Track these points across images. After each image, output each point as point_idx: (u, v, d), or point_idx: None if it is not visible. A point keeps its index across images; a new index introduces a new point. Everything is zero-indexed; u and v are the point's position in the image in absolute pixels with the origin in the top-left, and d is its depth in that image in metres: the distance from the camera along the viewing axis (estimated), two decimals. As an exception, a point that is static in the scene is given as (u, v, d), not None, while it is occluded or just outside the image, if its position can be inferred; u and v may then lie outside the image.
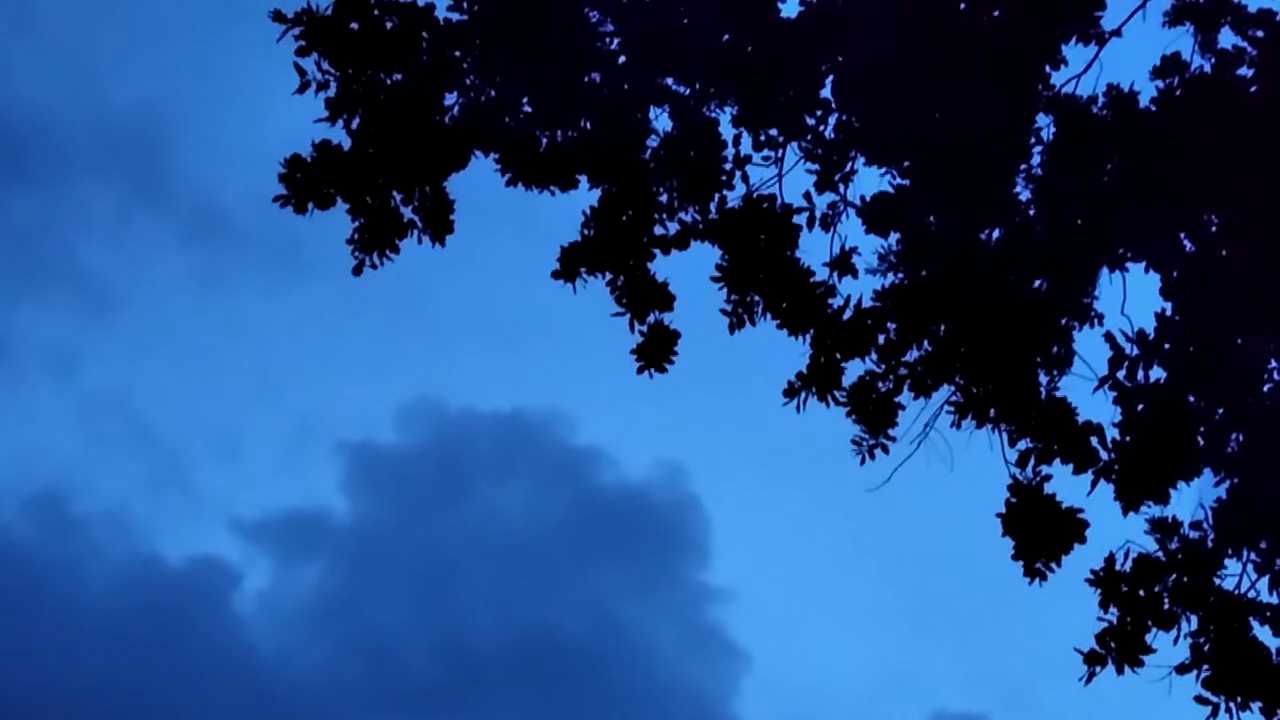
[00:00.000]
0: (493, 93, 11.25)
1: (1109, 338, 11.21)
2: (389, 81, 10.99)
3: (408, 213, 11.33)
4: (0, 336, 46.81)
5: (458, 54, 11.09)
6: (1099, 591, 10.92)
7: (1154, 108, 11.26)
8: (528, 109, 11.29)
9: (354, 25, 10.75)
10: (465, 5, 11.00)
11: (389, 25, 10.87)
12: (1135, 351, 11.16)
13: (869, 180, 11.64)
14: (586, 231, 11.40)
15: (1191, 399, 11.19)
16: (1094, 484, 11.01)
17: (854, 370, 11.44)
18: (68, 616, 41.14)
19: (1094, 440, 11.03)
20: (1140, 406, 11.04)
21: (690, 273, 11.63)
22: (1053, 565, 10.80)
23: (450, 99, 11.22)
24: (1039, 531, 10.79)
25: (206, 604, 44.11)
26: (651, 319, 11.48)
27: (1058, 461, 11.05)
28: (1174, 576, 11.02)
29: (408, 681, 43.32)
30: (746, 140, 11.43)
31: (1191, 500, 11.17)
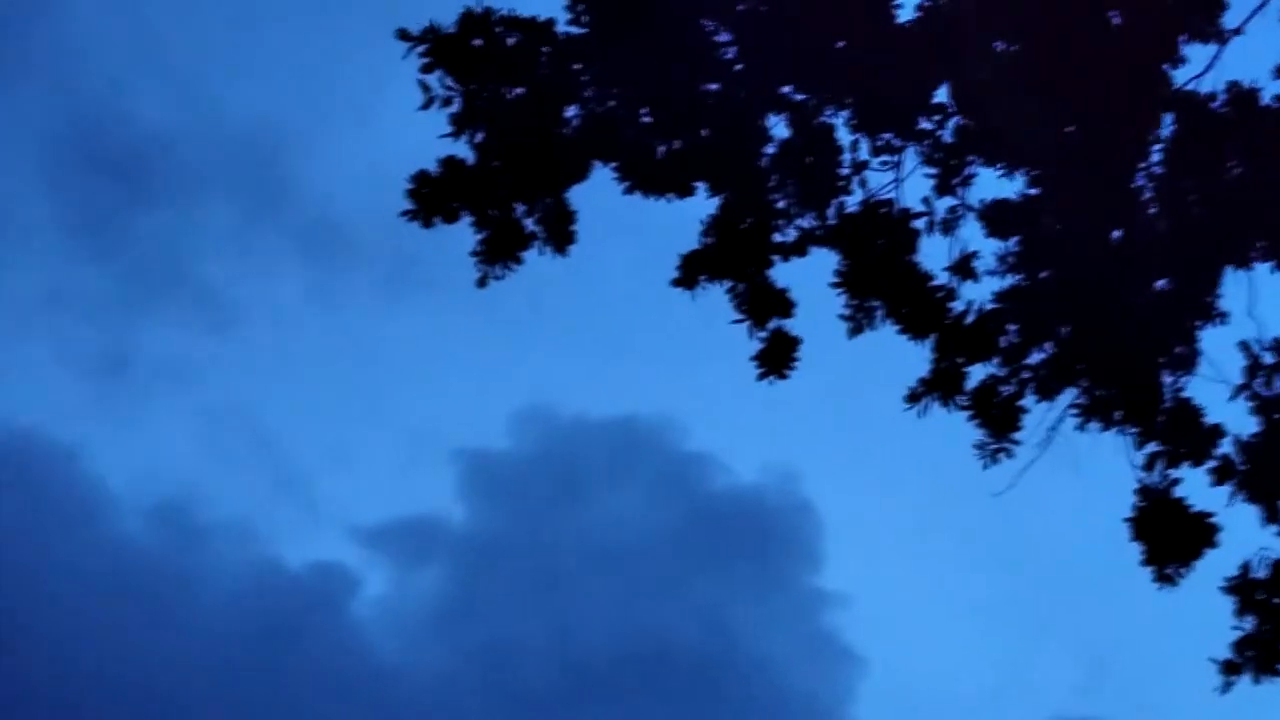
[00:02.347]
0: (611, 104, 11.37)
1: (1245, 346, 11.07)
2: (511, 96, 11.15)
3: (530, 224, 11.50)
4: (126, 351, 47.95)
5: (577, 67, 11.22)
6: (1235, 599, 10.79)
7: (1276, 105, 11.11)
8: (646, 119, 11.40)
9: (477, 42, 10.91)
10: (584, 19, 11.12)
11: (510, 41, 11.03)
12: (1271, 359, 11.02)
13: (987, 182, 11.60)
14: (706, 239, 11.48)
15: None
16: (1229, 492, 10.87)
17: (975, 374, 11.42)
18: (194, 621, 42.08)
19: (1225, 444, 10.91)
20: (1278, 416, 10.88)
21: (800, 278, 11.67)
22: (1183, 570, 10.69)
23: (570, 111, 11.36)
24: (1169, 536, 10.69)
25: (327, 609, 44.82)
26: (771, 325, 11.54)
27: (1186, 465, 10.95)
28: (1312, 584, 10.85)
29: (523, 686, 43.64)
30: (864, 146, 11.46)
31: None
